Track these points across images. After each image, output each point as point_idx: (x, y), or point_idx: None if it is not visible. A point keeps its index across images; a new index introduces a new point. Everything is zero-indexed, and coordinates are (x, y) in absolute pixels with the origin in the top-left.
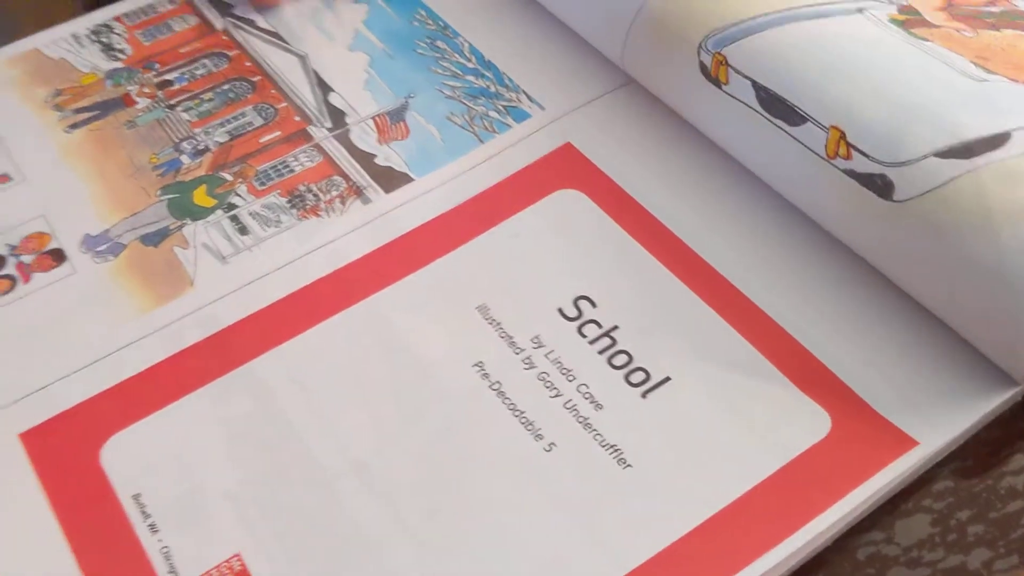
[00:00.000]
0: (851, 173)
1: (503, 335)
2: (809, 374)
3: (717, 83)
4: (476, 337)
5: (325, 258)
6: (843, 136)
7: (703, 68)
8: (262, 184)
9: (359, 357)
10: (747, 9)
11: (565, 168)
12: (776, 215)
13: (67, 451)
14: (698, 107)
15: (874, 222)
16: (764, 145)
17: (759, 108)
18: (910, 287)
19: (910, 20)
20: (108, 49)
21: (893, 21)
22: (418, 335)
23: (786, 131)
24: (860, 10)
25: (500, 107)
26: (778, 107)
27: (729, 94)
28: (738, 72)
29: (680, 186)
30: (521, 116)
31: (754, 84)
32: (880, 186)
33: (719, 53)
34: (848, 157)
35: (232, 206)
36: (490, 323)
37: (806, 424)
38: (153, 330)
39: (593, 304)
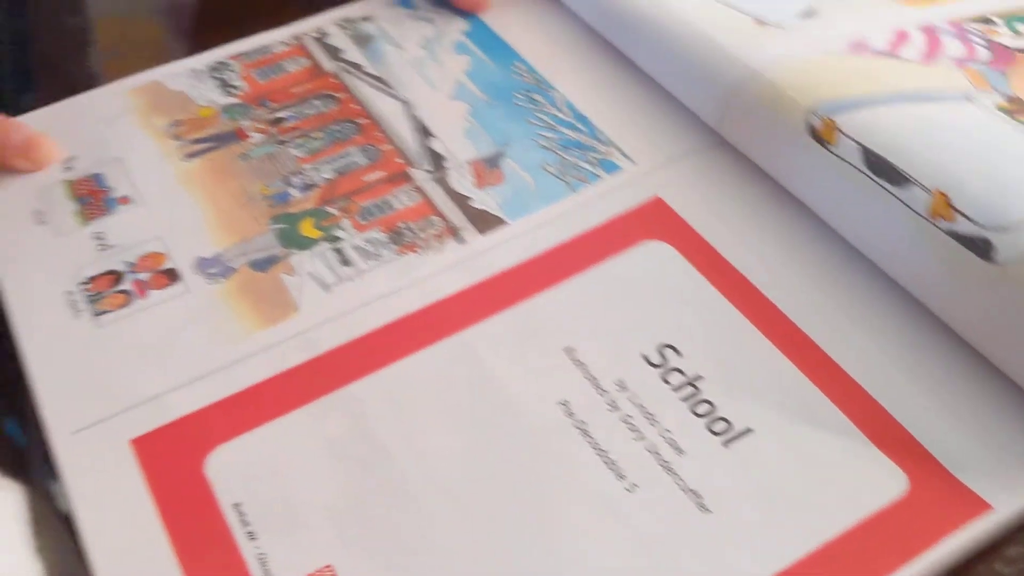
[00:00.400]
0: (953, 234)
1: (588, 377)
2: (887, 434)
3: (824, 143)
4: (562, 377)
5: (421, 292)
6: (947, 199)
7: (812, 130)
8: (365, 220)
9: (450, 387)
10: (863, 86)
11: (654, 221)
12: (861, 278)
13: (175, 459)
14: (799, 167)
15: (972, 284)
16: (865, 205)
17: (865, 168)
18: (1000, 351)
19: (1016, 109)
20: (225, 85)
21: (1000, 109)
22: (506, 370)
23: (890, 191)
24: (969, 99)
25: (592, 159)
26: (884, 168)
27: (835, 154)
28: (847, 136)
29: (767, 245)
30: (612, 168)
31: (862, 147)
32: (981, 248)
33: (830, 119)
34: (951, 219)
35: (336, 239)
36: (576, 365)
37: (882, 483)
38: (259, 349)
39: (678, 353)
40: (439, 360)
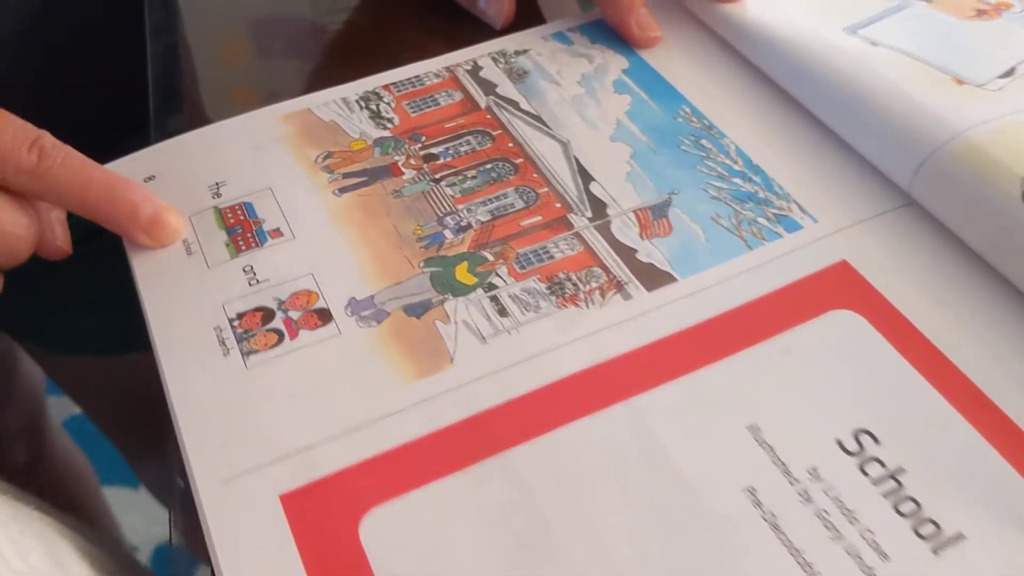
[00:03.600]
0: None
1: (776, 462)
2: None
3: None
4: (746, 459)
5: (584, 351)
6: None
7: None
8: (522, 268)
9: (618, 460)
10: None
11: (841, 287)
12: None
13: (326, 519)
14: (1007, 233)
15: None
16: None
17: None
18: None
19: None
20: (376, 116)
21: None
22: (682, 447)
23: None
24: None
25: (770, 215)
26: None
27: None
28: None
29: (968, 318)
30: (792, 226)
31: None
32: None
33: None
34: None
35: (492, 286)
36: (762, 446)
37: None
38: (413, 403)
39: (876, 440)
40: (606, 428)
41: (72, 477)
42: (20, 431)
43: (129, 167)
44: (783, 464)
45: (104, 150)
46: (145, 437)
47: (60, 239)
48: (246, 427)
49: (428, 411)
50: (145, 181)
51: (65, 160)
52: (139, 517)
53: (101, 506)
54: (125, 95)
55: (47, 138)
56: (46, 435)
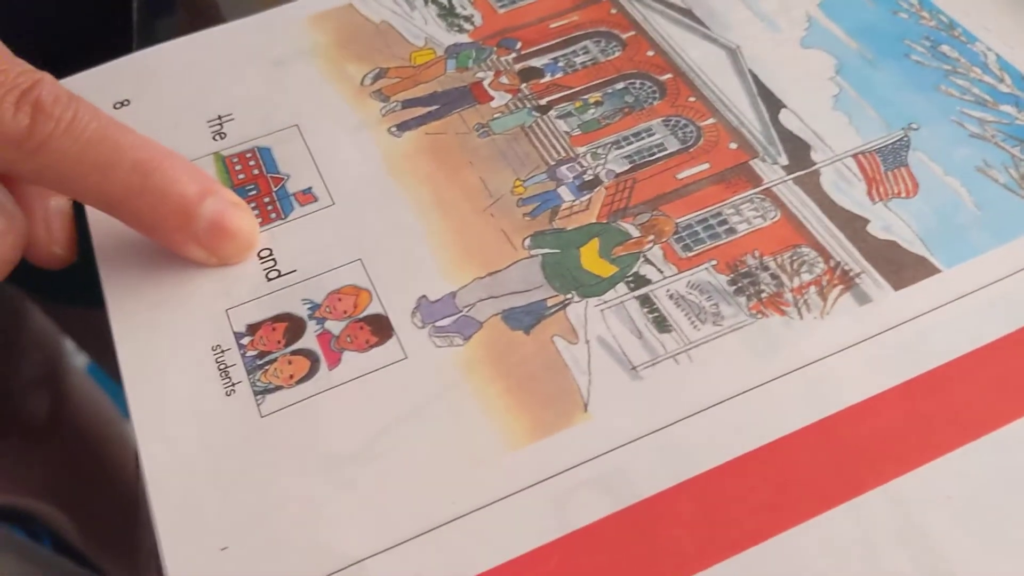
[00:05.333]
0: None
1: None
2: None
3: None
4: None
5: (802, 392)
6: None
7: None
8: (687, 248)
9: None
10: None
11: None
12: None
13: None
14: None
15: None
16: None
17: None
18: None
19: None
20: (449, 14)
21: None
22: (977, 559)
23: None
24: None
25: None
26: None
27: None
28: None
29: None
30: None
31: None
32: None
33: None
34: None
35: (641, 279)
36: None
37: None
38: (525, 484)
39: None
40: (849, 534)
41: (97, 421)
42: (40, 379)
43: (91, 87)
44: None
45: (68, 68)
46: None
47: (59, 242)
48: (258, 525)
49: (552, 500)
50: (116, 108)
51: (73, 124)
52: None
53: (129, 450)
54: None
55: (46, 86)
56: (67, 381)
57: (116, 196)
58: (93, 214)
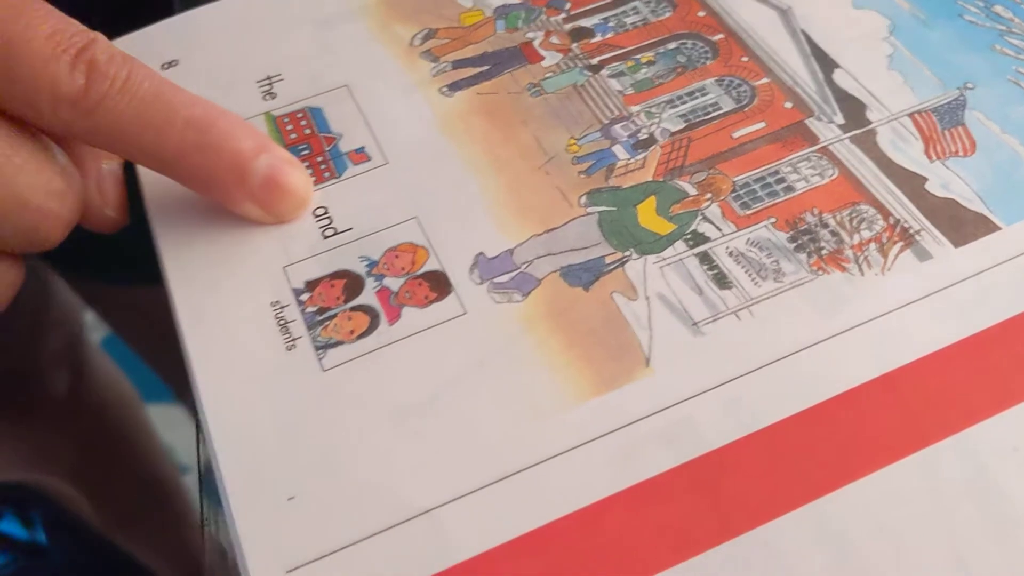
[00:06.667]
0: None
1: None
2: None
3: None
4: None
5: (866, 347)
6: None
7: None
8: (745, 207)
9: (948, 545)
10: None
11: None
12: None
13: None
14: None
15: None
16: None
17: None
18: None
19: None
20: None
21: None
22: None
23: None
24: None
25: None
26: None
27: None
28: None
29: None
30: None
31: None
32: None
33: None
34: None
35: (700, 237)
36: None
37: None
38: (589, 438)
39: None
40: (918, 484)
41: (114, 398)
42: (62, 355)
43: (139, 48)
44: None
45: (112, 31)
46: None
47: (112, 204)
48: (325, 475)
49: (616, 453)
50: (163, 68)
51: (128, 82)
52: (187, 435)
53: (145, 426)
54: None
55: (100, 45)
56: (87, 358)
57: (171, 154)
58: (146, 176)
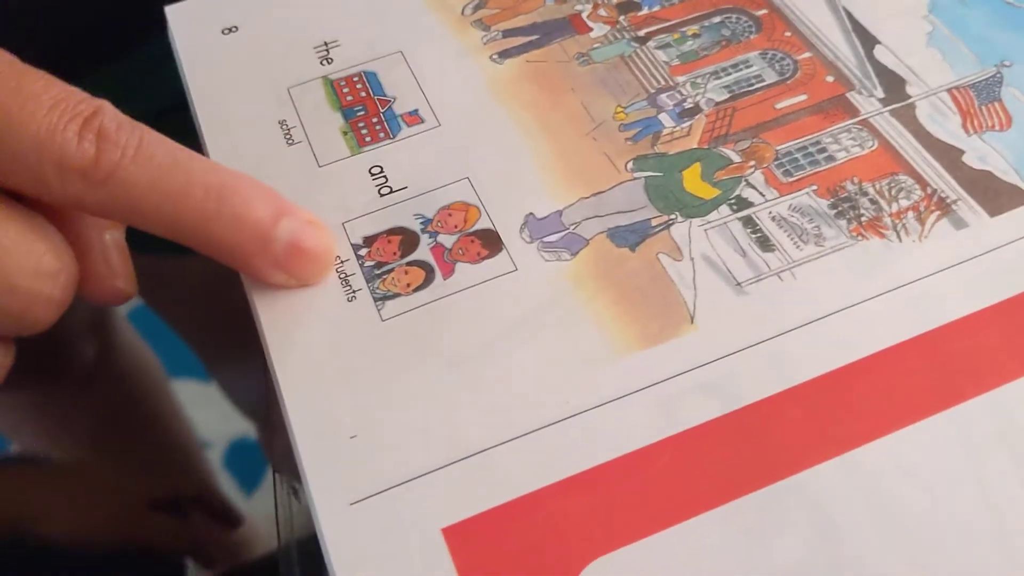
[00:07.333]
0: None
1: None
2: None
3: None
4: None
5: (903, 309)
6: None
7: None
8: (788, 174)
9: (979, 493)
10: None
11: None
12: None
13: (517, 571)
14: None
15: None
16: None
17: None
18: None
19: None
20: None
21: None
22: None
23: None
24: None
25: None
26: None
27: None
28: None
29: None
30: None
31: None
32: None
33: None
34: None
35: (744, 202)
36: None
37: None
38: (636, 388)
39: None
40: (952, 440)
41: (139, 371)
42: (89, 325)
43: (200, 13)
44: None
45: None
46: (220, 337)
47: (121, 275)
48: (385, 416)
49: (661, 403)
50: (224, 34)
51: (141, 150)
52: (211, 412)
53: (170, 401)
54: None
55: (107, 112)
56: (113, 329)
57: (190, 224)
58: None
